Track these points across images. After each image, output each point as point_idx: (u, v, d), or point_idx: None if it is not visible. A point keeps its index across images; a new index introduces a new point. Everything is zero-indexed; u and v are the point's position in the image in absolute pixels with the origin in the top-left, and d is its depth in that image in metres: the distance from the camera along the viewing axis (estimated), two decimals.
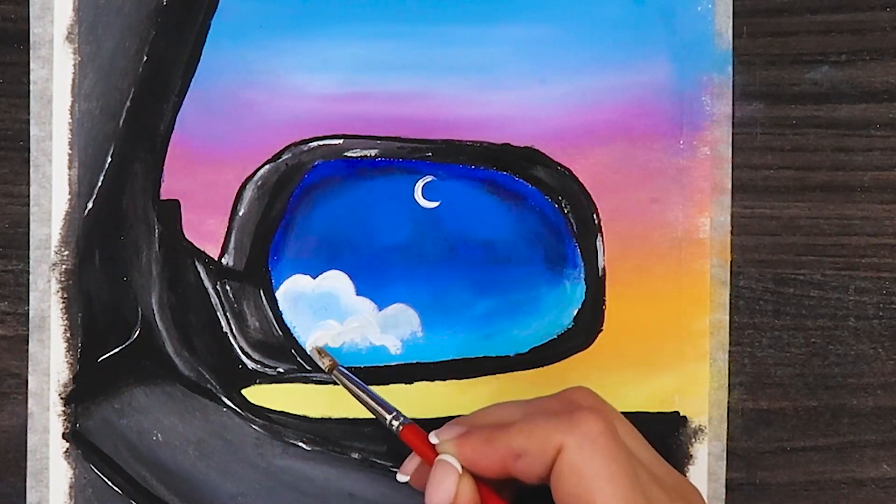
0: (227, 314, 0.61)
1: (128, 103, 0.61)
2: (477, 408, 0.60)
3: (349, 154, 0.61)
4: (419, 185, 0.61)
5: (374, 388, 0.61)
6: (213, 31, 0.61)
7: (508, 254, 0.61)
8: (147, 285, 0.61)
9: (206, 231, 0.61)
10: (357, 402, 0.57)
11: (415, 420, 0.61)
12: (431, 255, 0.61)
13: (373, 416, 0.61)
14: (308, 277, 0.61)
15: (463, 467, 0.52)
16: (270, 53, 0.61)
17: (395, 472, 0.60)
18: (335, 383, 0.61)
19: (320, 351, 0.60)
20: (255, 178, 0.61)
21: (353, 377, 0.58)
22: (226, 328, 0.61)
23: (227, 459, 0.61)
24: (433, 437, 0.53)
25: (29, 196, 0.61)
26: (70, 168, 0.61)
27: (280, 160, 0.61)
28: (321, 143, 0.61)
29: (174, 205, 0.61)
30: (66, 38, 0.61)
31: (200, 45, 0.61)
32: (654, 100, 0.61)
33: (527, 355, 0.61)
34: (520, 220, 0.61)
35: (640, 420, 0.60)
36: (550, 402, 0.53)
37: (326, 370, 0.59)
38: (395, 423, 0.55)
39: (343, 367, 0.59)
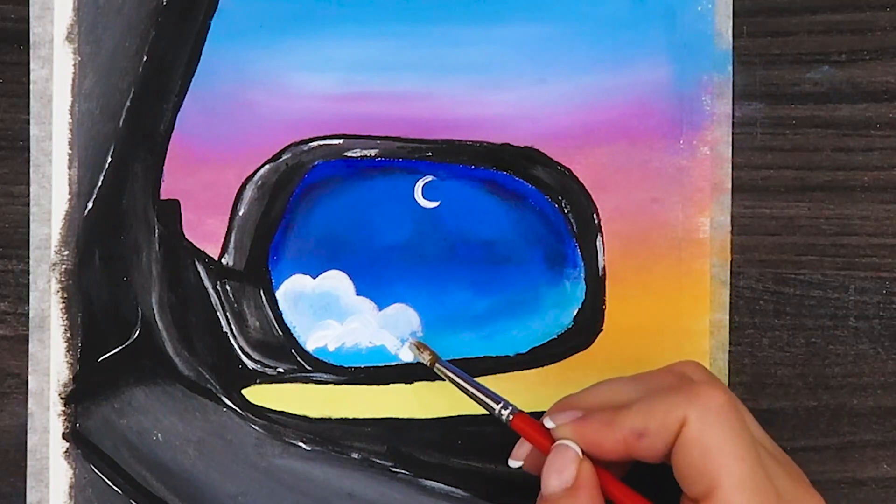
0: (227, 314, 0.61)
1: (128, 103, 0.61)
2: (476, 408, 0.60)
3: (349, 154, 0.61)
4: (419, 184, 0.61)
5: (374, 388, 0.61)
6: (213, 31, 0.61)
7: (508, 254, 0.61)
8: (147, 285, 0.61)
9: (206, 231, 0.61)
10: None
11: (415, 420, 0.61)
12: (431, 255, 0.61)
13: (375, 417, 0.61)
14: (308, 277, 0.61)
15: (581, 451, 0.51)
16: (270, 53, 0.61)
17: (395, 472, 0.61)
18: (335, 383, 0.61)
19: (419, 345, 0.59)
20: (255, 178, 0.61)
21: (456, 369, 0.58)
22: (226, 328, 0.61)
23: (227, 459, 0.61)
24: (548, 422, 0.52)
25: (29, 196, 0.61)
26: (70, 168, 0.61)
27: (280, 160, 0.61)
28: (321, 143, 0.61)
29: (174, 205, 0.61)
30: (66, 38, 0.61)
31: (200, 45, 0.61)
32: (654, 100, 0.61)
33: (527, 355, 0.61)
34: (520, 220, 0.61)
35: None
36: (664, 377, 0.52)
37: (428, 364, 0.58)
38: (504, 412, 0.55)
39: (444, 360, 0.58)
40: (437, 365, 0.58)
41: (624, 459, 0.51)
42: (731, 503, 0.48)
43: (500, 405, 0.55)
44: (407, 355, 0.61)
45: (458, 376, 0.57)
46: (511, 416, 0.54)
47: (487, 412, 0.55)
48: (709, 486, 0.49)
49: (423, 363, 0.59)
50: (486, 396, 0.56)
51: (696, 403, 0.49)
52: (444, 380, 0.61)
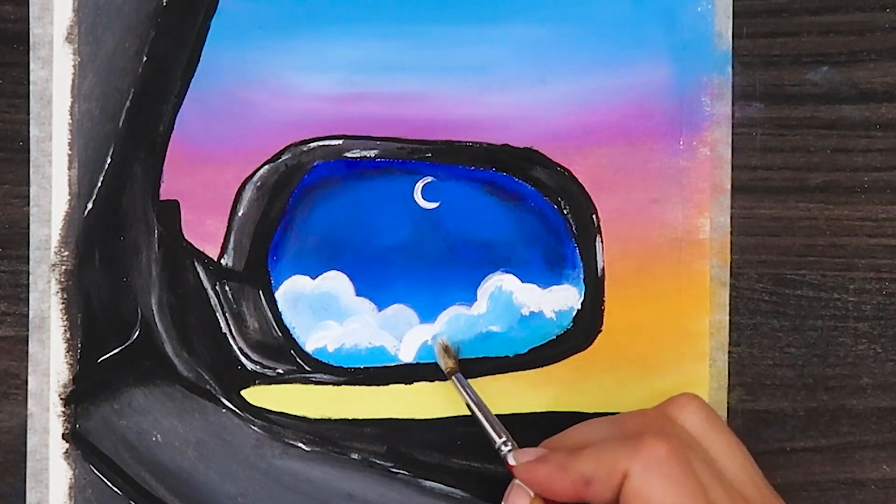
0: (227, 315, 0.61)
1: (127, 104, 0.61)
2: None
3: (349, 154, 0.61)
4: (419, 185, 0.61)
5: (374, 389, 0.61)
6: (213, 31, 0.61)
7: (508, 254, 0.61)
8: (147, 286, 0.61)
9: (206, 231, 0.61)
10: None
11: (415, 420, 0.61)
12: (431, 255, 0.61)
13: (375, 417, 0.61)
14: (307, 278, 0.61)
15: (536, 493, 0.53)
16: (270, 53, 0.61)
17: (395, 473, 0.61)
18: (335, 384, 0.61)
19: (446, 348, 0.60)
20: (255, 178, 0.61)
21: (471, 389, 0.58)
22: (225, 329, 0.61)
23: (226, 460, 0.61)
24: (511, 459, 0.54)
25: (29, 196, 0.61)
26: (70, 168, 0.61)
27: (280, 160, 0.61)
28: (321, 143, 0.61)
29: (174, 205, 0.61)
30: (65, 38, 0.61)
31: (200, 46, 0.61)
32: (653, 100, 0.61)
33: (526, 356, 0.61)
34: (519, 221, 0.61)
35: None
36: (639, 421, 0.53)
37: (446, 372, 0.59)
38: (504, 448, 0.55)
39: (462, 376, 0.59)
40: (454, 377, 0.59)
41: (579, 501, 0.52)
42: None
43: (502, 441, 0.56)
44: (409, 352, 0.61)
45: (470, 397, 0.58)
46: (507, 455, 0.55)
47: (490, 441, 0.56)
48: None
49: (441, 367, 0.59)
50: (492, 428, 0.56)
51: (637, 456, 0.50)
52: (444, 380, 0.61)
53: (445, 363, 0.59)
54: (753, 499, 0.52)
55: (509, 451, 0.55)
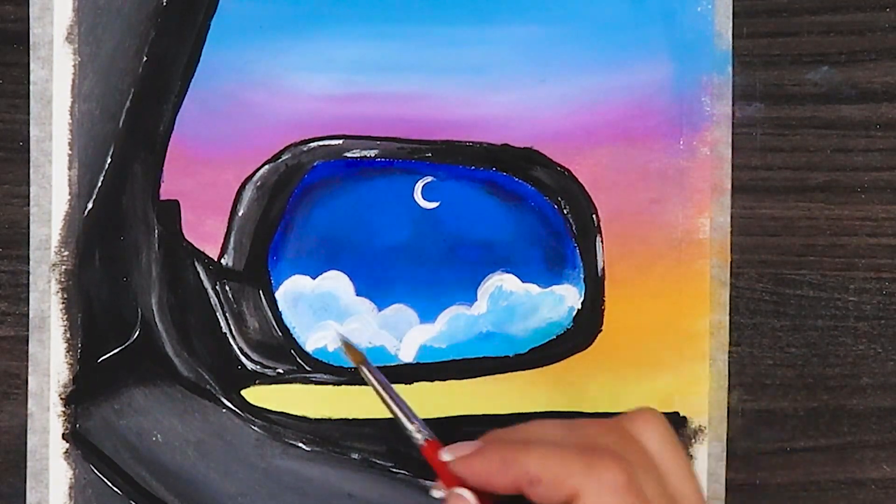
0: (227, 315, 0.61)
1: (127, 104, 0.61)
2: (476, 408, 0.61)
3: (349, 154, 0.61)
4: (419, 185, 0.61)
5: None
6: (213, 31, 0.61)
7: (508, 254, 0.61)
8: (147, 286, 0.61)
9: (206, 231, 0.61)
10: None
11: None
12: (431, 255, 0.61)
13: (375, 417, 0.61)
14: (308, 278, 0.61)
15: (477, 494, 0.49)
16: (270, 53, 0.61)
17: (395, 473, 0.61)
18: (335, 384, 0.61)
19: (347, 345, 0.56)
20: (255, 178, 0.61)
21: (382, 377, 0.53)
22: (225, 329, 0.61)
23: (226, 460, 0.61)
24: (446, 454, 0.50)
25: (29, 196, 0.61)
26: (70, 168, 0.61)
27: (280, 160, 0.61)
28: (321, 143, 0.61)
29: (174, 205, 0.61)
30: (65, 38, 0.61)
31: (200, 46, 0.61)
32: (653, 100, 0.61)
33: (526, 356, 0.61)
34: (519, 221, 0.61)
35: None
36: (591, 430, 0.49)
37: (354, 364, 0.54)
38: (418, 435, 0.52)
39: (371, 365, 0.54)
40: (362, 367, 0.54)
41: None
42: None
43: (415, 427, 0.52)
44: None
45: (382, 385, 0.53)
46: (423, 442, 0.51)
47: (402, 429, 0.52)
48: None
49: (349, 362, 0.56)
50: (405, 414, 0.52)
51: (592, 477, 0.46)
52: (444, 380, 0.61)
53: (354, 357, 0.55)
54: None
55: (425, 437, 0.51)
